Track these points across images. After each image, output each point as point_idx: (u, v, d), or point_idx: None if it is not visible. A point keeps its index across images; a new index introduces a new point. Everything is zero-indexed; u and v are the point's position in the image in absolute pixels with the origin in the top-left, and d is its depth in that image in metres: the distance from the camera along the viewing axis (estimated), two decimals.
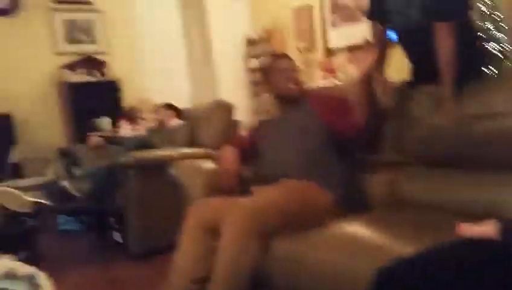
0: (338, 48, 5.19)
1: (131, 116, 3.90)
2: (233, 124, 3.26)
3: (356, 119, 1.79)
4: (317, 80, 5.17)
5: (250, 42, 6.30)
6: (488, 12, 5.53)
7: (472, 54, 1.78)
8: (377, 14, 1.89)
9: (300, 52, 5.57)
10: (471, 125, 1.56)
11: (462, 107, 1.61)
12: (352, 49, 4.98)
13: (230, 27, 6.29)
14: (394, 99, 1.89)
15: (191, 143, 3.33)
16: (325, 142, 1.87)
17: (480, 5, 5.60)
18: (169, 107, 3.61)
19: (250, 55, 6.31)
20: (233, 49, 6.33)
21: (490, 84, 1.65)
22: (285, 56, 2.14)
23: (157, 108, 3.64)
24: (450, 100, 1.65)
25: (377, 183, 1.88)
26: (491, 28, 5.40)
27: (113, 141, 3.72)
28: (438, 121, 1.66)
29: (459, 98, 1.63)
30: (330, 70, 5.10)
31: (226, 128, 3.18)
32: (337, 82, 4.75)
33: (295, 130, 1.93)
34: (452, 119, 1.61)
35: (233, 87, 6.28)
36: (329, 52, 5.40)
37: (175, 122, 3.52)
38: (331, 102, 1.95)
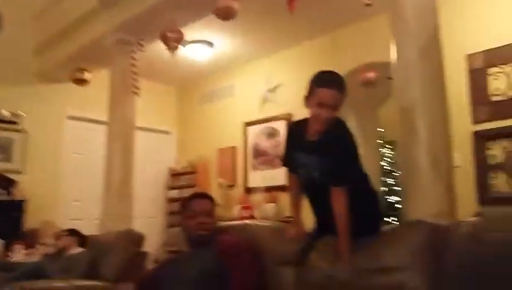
0: (256, 188, 5.41)
1: (30, 240, 3.58)
2: (141, 256, 3.10)
3: (250, 278, 1.81)
4: (235, 215, 5.24)
5: (174, 173, 6.38)
6: (390, 169, 6.21)
7: (368, 211, 1.94)
8: (289, 163, 2.05)
9: (222, 187, 5.72)
10: (364, 279, 1.62)
11: (357, 260, 1.68)
12: (269, 189, 5.22)
13: (155, 157, 6.40)
14: (302, 245, 1.94)
15: (92, 273, 3.07)
16: (224, 288, 1.82)
17: (384, 163, 6.31)
18: (73, 233, 3.38)
19: (171, 186, 6.34)
20: (155, 178, 6.36)
21: (383, 240, 1.76)
22: (205, 196, 2.14)
23: (59, 233, 3.40)
24: (345, 254, 1.74)
25: None
26: (393, 182, 6.04)
27: (2, 266, 3.32)
28: (334, 272, 1.71)
29: (354, 252, 1.72)
30: (248, 207, 5.23)
31: (131, 260, 3.00)
32: (254, 218, 4.84)
33: (195, 272, 1.88)
34: (347, 272, 1.67)
35: (149, 217, 6.15)
36: (249, 190, 5.59)
37: (76, 249, 3.28)
38: (235, 253, 1.94)
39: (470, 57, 4.04)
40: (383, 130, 6.07)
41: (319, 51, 5.11)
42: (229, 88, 6.12)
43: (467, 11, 4.09)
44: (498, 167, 3.83)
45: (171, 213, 6.04)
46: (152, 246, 3.45)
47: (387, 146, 6.37)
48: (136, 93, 4.37)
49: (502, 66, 3.88)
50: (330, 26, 4.89)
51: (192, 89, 6.61)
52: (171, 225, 5.96)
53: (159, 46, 4.15)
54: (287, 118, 5.18)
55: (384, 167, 6.32)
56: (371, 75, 4.48)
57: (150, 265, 3.04)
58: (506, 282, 1.21)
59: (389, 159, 6.34)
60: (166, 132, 6.63)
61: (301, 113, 1.96)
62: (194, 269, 1.90)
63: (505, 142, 3.82)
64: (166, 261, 2.16)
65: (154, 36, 4.13)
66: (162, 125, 6.56)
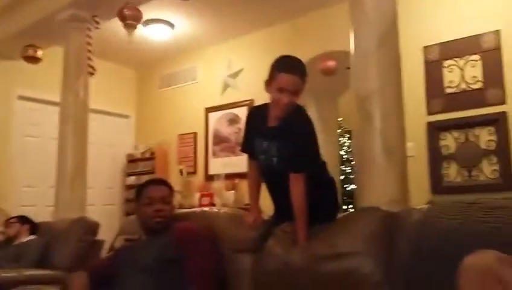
0: (217, 175, 5.38)
1: None
2: (95, 245, 3.02)
3: (208, 265, 1.81)
4: (194, 202, 5.20)
5: (131, 159, 6.25)
6: (348, 158, 6.36)
7: (326, 198, 1.96)
8: (248, 149, 2.04)
9: (182, 174, 5.65)
10: (319, 265, 1.64)
11: (313, 247, 1.70)
12: (229, 177, 5.20)
13: (112, 142, 6.24)
14: (260, 231, 1.94)
15: (44, 262, 2.96)
16: (181, 275, 1.80)
17: (342, 152, 6.44)
18: (23, 220, 3.24)
19: (129, 173, 6.21)
20: (112, 164, 6.20)
21: (338, 226, 1.79)
22: (162, 182, 2.08)
23: (8, 221, 3.25)
24: (302, 240, 1.76)
25: None
26: (351, 170, 6.19)
27: None
28: (291, 258, 1.72)
29: (311, 238, 1.75)
30: (208, 194, 5.20)
31: (85, 248, 2.91)
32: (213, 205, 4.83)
33: (151, 260, 1.84)
34: (303, 258, 1.69)
35: (106, 204, 6.02)
36: (209, 177, 5.56)
37: (26, 237, 3.15)
38: (193, 239, 1.91)
39: (427, 49, 4.16)
40: (341, 119, 6.18)
41: (280, 38, 5.10)
42: (190, 71, 6.01)
43: (424, 4, 4.19)
44: (450, 157, 3.99)
45: (129, 200, 5.91)
46: (108, 234, 3.37)
47: (346, 135, 6.50)
48: (91, 73, 4.20)
49: (456, 59, 4.02)
50: (291, 12, 4.89)
51: (152, 71, 6.44)
52: (128, 213, 5.84)
53: (117, 25, 4.00)
54: (248, 104, 5.16)
55: (343, 156, 6.47)
56: (331, 64, 4.53)
57: (105, 253, 2.96)
58: (454, 267, 1.25)
59: (347, 148, 6.48)
60: (124, 116, 6.45)
61: (263, 99, 1.95)
62: (149, 256, 1.86)
63: (456, 133, 3.98)
64: (122, 249, 2.10)
65: (111, 14, 3.96)
66: (120, 108, 6.37)
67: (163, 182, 2.07)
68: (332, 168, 5.20)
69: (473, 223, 1.32)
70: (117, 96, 6.30)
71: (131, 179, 6.04)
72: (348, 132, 6.37)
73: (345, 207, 5.83)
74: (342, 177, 6.19)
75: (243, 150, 2.08)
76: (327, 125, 5.50)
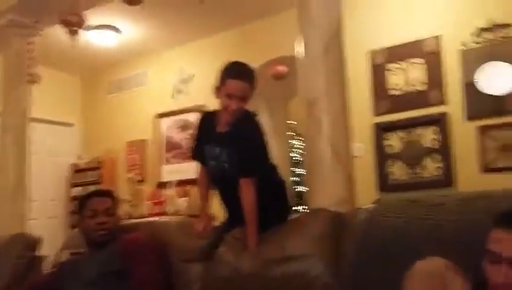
0: (168, 182, 5.26)
1: None
2: (36, 261, 2.83)
3: (154, 276, 1.75)
4: (145, 211, 5.07)
5: (77, 169, 6.01)
6: (300, 160, 6.44)
7: (277, 201, 1.97)
8: (198, 156, 2.01)
9: (131, 183, 5.50)
10: (270, 269, 1.63)
11: (264, 251, 1.69)
12: (181, 183, 5.11)
13: (56, 152, 5.98)
14: (210, 239, 1.90)
15: None
16: (127, 288, 1.73)
17: (294, 154, 6.52)
18: None
19: (74, 183, 5.97)
20: (56, 175, 5.95)
21: (288, 229, 1.79)
22: (104, 194, 2.02)
23: None
24: (252, 246, 1.75)
25: None
26: (302, 172, 6.27)
27: None
28: (241, 264, 1.70)
29: (262, 242, 1.74)
30: (158, 202, 5.09)
31: (24, 265, 2.73)
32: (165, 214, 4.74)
33: (94, 274, 1.77)
34: (253, 264, 1.67)
35: (50, 217, 5.76)
36: (161, 185, 5.43)
37: None
38: (138, 250, 1.84)
39: (372, 53, 4.29)
40: (295, 122, 6.26)
41: (231, 43, 5.09)
42: (139, 77, 5.86)
43: (369, 10, 4.33)
44: (395, 156, 4.13)
45: (74, 212, 5.66)
46: (52, 248, 3.21)
47: (297, 137, 6.59)
48: (33, 81, 4.02)
49: (400, 62, 4.17)
50: (241, 19, 4.90)
51: (98, 77, 6.21)
52: (73, 225, 5.59)
53: (60, 31, 3.84)
54: (200, 110, 5.08)
55: (294, 158, 6.55)
56: (282, 68, 4.57)
57: (47, 269, 2.80)
58: (401, 263, 1.28)
59: (299, 150, 6.57)
60: (68, 124, 6.18)
61: (214, 105, 1.95)
62: (93, 270, 1.80)
63: (401, 133, 4.12)
64: (65, 264, 2.02)
65: (53, 19, 3.81)
66: (64, 117, 6.10)
67: (107, 194, 2.02)
68: (284, 170, 5.27)
69: (417, 220, 1.35)
70: (60, 104, 6.04)
71: (77, 190, 5.80)
72: (300, 134, 6.47)
73: (296, 208, 5.88)
74: (294, 179, 6.26)
75: (193, 157, 2.06)
76: (278, 128, 5.54)
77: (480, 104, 3.77)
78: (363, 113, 4.06)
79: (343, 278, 1.49)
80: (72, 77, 6.24)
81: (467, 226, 1.22)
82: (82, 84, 6.37)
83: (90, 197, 1.97)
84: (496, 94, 3.71)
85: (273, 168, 2.00)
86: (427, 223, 1.32)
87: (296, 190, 6.20)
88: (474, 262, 1.06)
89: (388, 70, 4.22)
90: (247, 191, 1.79)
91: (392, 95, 4.18)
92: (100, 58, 5.69)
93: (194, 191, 4.86)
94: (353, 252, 1.48)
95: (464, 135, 3.83)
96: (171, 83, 5.55)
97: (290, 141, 6.36)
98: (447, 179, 3.84)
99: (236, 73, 1.82)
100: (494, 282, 1.00)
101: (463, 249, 1.17)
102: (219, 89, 1.83)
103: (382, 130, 4.18)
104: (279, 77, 4.60)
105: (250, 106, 1.88)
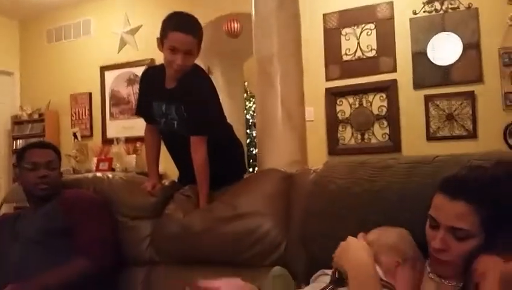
0: (116, 138, 5.09)
1: None
2: None
3: (98, 234, 1.69)
4: (91, 168, 4.90)
5: (17, 121, 5.68)
6: (254, 122, 6.45)
7: (231, 161, 1.96)
8: (143, 112, 1.93)
9: (76, 138, 5.27)
10: (220, 226, 1.64)
11: (214, 209, 1.69)
12: (130, 140, 4.97)
13: None
14: (161, 196, 1.87)
15: None
16: (70, 246, 1.67)
17: (248, 116, 6.50)
18: None
19: (15, 136, 5.66)
20: None
21: (240, 188, 1.79)
22: (46, 145, 1.89)
23: None
24: (203, 203, 1.75)
25: (130, 282, 1.76)
26: (255, 134, 6.30)
27: None
28: (191, 221, 1.69)
29: (213, 201, 1.75)
30: (106, 159, 4.93)
31: None
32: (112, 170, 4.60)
33: (35, 232, 1.69)
34: (204, 221, 1.67)
35: None
36: (107, 141, 5.26)
37: None
38: (82, 207, 1.76)
39: (326, 16, 4.27)
40: (247, 83, 6.20)
41: None
42: (82, 25, 5.50)
43: None
44: (345, 122, 4.23)
45: (15, 165, 5.39)
46: None
47: (251, 99, 6.56)
48: None
49: (353, 27, 4.20)
50: None
51: (38, 23, 5.76)
52: (15, 179, 5.35)
53: None
54: (148, 63, 4.89)
55: (249, 120, 6.55)
56: (235, 25, 4.45)
57: None
58: (345, 221, 1.32)
59: (253, 112, 6.57)
60: (7, 73, 5.76)
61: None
62: (33, 227, 1.71)
63: (351, 99, 4.21)
64: (3, 220, 1.89)
65: None
66: (2, 64, 5.67)
67: (49, 146, 1.89)
68: (239, 132, 5.25)
69: (363, 181, 1.39)
70: None
71: (20, 143, 5.50)
72: (254, 96, 6.44)
73: (251, 170, 5.94)
74: (248, 141, 6.28)
75: (137, 113, 1.98)
76: (233, 89, 5.47)
77: (427, 73, 3.91)
78: (315, 78, 4.08)
79: (292, 235, 1.53)
80: (9, 20, 5.75)
81: (413, 189, 1.25)
82: (21, 30, 5.90)
83: (30, 148, 1.84)
84: (442, 64, 3.85)
85: (227, 127, 1.97)
86: (374, 184, 1.36)
87: (253, 152, 6.23)
88: (418, 225, 1.10)
89: (341, 34, 4.23)
90: (198, 150, 1.76)
91: (344, 61, 4.22)
92: (39, 1, 5.26)
93: (143, 148, 4.75)
94: (301, 210, 1.51)
95: (412, 103, 3.97)
96: (117, 33, 5.25)
97: (245, 103, 6.32)
98: (394, 145, 4.00)
99: (178, 24, 1.69)
100: (433, 247, 1.03)
101: (408, 212, 1.21)
102: (162, 42, 1.72)
103: (333, 95, 4.25)
104: (232, 34, 4.48)
105: (203, 65, 1.79)
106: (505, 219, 0.98)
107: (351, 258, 1.03)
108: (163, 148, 2.00)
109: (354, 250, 1.06)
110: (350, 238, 1.13)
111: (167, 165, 2.03)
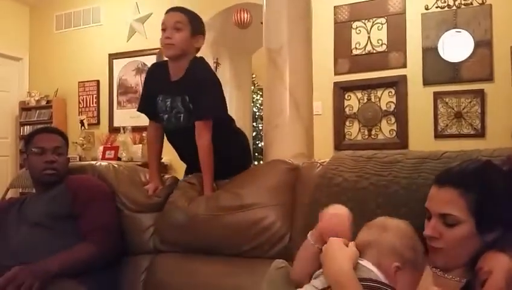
0: (123, 127, 5.10)
1: None
2: None
3: (106, 220, 1.71)
4: (97, 156, 4.92)
5: (25, 107, 5.71)
6: (261, 115, 6.43)
7: (236, 152, 1.97)
8: (147, 110, 1.94)
9: (83, 125, 5.29)
10: (224, 216, 1.64)
11: (219, 199, 1.69)
12: (137, 129, 4.98)
13: (3, 88, 5.63)
14: (163, 197, 1.86)
15: None
16: (75, 232, 1.68)
17: (254, 109, 6.48)
18: None
19: (23, 122, 5.70)
20: (3, 113, 5.64)
21: (245, 179, 1.79)
22: (54, 131, 1.90)
23: None
24: (208, 191, 1.75)
25: (133, 270, 1.76)
26: (262, 127, 6.28)
27: None
28: (195, 209, 1.69)
29: (218, 190, 1.75)
30: (112, 148, 4.94)
31: None
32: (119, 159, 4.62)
33: (41, 216, 1.70)
34: (208, 209, 1.67)
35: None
36: (114, 129, 5.27)
37: None
38: (89, 193, 1.77)
39: (337, 9, 4.23)
40: (254, 76, 6.17)
41: None
42: (92, 13, 5.49)
43: None
44: (353, 117, 4.21)
45: (23, 151, 5.44)
46: (1, 187, 3.07)
47: (259, 92, 6.54)
48: None
49: (364, 21, 4.16)
50: None
51: (49, 9, 5.75)
52: (22, 164, 5.39)
53: None
54: (158, 52, 4.89)
55: (256, 113, 6.52)
56: (245, 16, 4.43)
57: None
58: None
59: (259, 105, 6.54)
60: (16, 58, 5.77)
61: None
62: (39, 211, 1.72)
63: (360, 94, 4.18)
64: (9, 205, 1.89)
65: None
66: (12, 50, 5.68)
67: (56, 131, 1.90)
68: (245, 124, 5.24)
69: (370, 176, 1.38)
70: (7, 35, 5.60)
71: (27, 129, 5.55)
72: (261, 89, 6.41)
73: (256, 163, 5.93)
74: (254, 133, 6.27)
75: (140, 110, 1.99)
76: (241, 81, 5.45)
77: (437, 70, 3.87)
78: (324, 71, 4.06)
79: (296, 227, 1.53)
80: (20, 5, 5.76)
81: (421, 184, 1.25)
82: (31, 16, 5.91)
83: (38, 133, 1.85)
84: (452, 61, 3.81)
85: (230, 119, 1.98)
86: (381, 178, 1.35)
87: (259, 145, 6.21)
88: (424, 220, 1.09)
89: (352, 28, 4.20)
90: (203, 136, 1.77)
91: (353, 55, 4.19)
92: None
93: None
94: (306, 203, 1.50)
95: (421, 99, 3.94)
96: (127, 21, 5.24)
97: (252, 95, 6.29)
98: (401, 142, 3.98)
99: (170, 9, 1.83)
100: (425, 234, 1.05)
101: (415, 207, 1.20)
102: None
103: (341, 89, 4.22)
104: (241, 24, 4.45)
105: (211, 56, 1.83)
106: (492, 203, 1.00)
107: (330, 266, 1.00)
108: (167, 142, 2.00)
109: (331, 259, 1.00)
110: (332, 242, 1.05)
111: (172, 157, 2.02)
